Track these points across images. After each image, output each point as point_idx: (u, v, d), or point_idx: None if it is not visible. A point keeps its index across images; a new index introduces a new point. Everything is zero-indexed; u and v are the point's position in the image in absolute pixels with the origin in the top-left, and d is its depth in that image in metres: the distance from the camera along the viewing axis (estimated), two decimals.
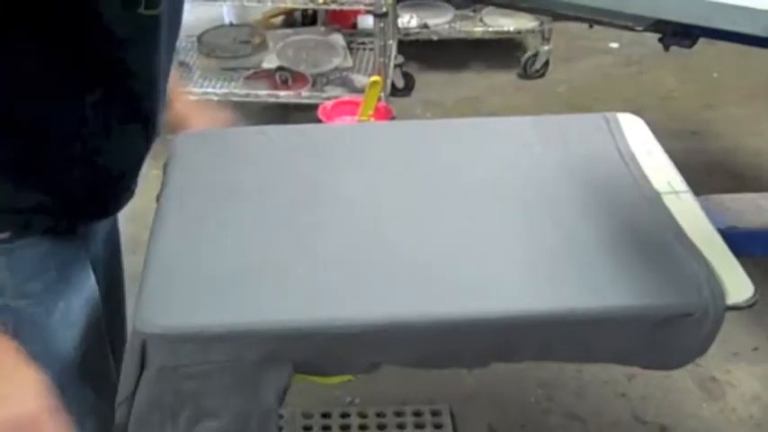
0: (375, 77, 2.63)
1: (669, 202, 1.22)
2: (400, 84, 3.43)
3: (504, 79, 3.64)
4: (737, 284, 1.08)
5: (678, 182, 1.26)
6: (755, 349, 2.14)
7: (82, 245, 1.12)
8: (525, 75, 3.64)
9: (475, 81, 3.63)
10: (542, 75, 3.64)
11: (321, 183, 1.26)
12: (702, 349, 1.08)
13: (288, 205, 1.20)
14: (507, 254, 1.12)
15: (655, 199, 1.22)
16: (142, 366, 1.00)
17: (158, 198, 1.21)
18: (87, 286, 1.11)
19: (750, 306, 1.06)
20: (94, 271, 1.15)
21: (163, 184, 1.24)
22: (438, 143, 1.38)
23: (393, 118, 2.81)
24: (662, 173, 1.28)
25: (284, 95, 3.06)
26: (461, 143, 1.38)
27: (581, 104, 3.39)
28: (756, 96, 3.42)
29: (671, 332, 1.07)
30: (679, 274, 1.09)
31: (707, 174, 2.84)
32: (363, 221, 1.18)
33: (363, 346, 1.03)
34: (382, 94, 2.94)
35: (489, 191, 1.25)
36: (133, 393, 1.01)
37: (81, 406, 1.08)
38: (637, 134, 1.38)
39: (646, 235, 1.17)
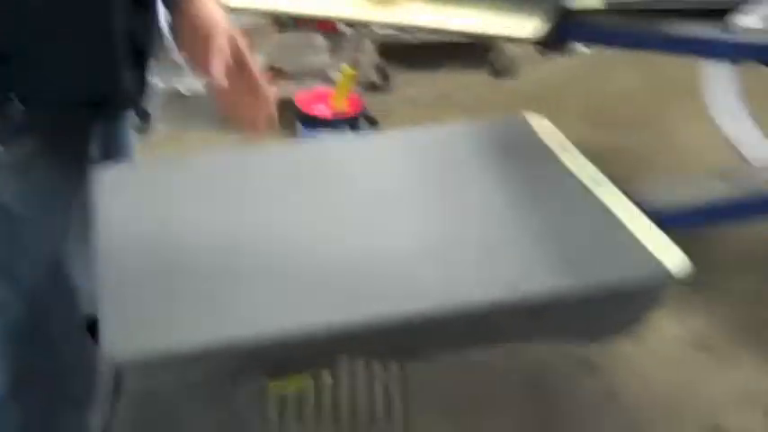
0: (348, 68, 2.87)
1: (593, 189, 1.28)
2: (378, 81, 3.66)
3: (477, 78, 3.87)
4: (675, 259, 1.13)
5: (598, 174, 1.31)
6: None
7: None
8: (496, 74, 3.88)
9: (449, 79, 3.84)
10: (512, 75, 3.89)
11: (249, 205, 1.28)
12: (652, 312, 1.15)
13: (217, 228, 1.22)
14: (444, 250, 1.16)
15: (582, 190, 1.28)
16: (118, 391, 1.03)
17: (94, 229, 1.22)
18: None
19: (687, 279, 1.12)
20: None
21: (96, 218, 1.23)
22: (366, 158, 1.41)
23: (364, 109, 3.04)
24: (582, 167, 1.34)
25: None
26: (394, 154, 1.41)
27: (544, 100, 3.61)
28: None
29: (616, 308, 1.14)
30: (619, 254, 1.15)
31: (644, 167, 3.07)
32: (302, 233, 1.21)
33: (328, 346, 1.07)
34: (359, 89, 3.19)
35: (418, 196, 1.29)
36: (112, 418, 1.05)
37: None
38: (549, 132, 1.43)
39: (581, 222, 1.22)
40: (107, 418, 1.04)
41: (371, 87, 3.57)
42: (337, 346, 1.07)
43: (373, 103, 3.33)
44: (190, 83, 3.38)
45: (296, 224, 1.23)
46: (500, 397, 2.07)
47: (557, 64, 3.97)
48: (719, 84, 1.93)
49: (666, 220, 1.25)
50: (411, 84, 3.79)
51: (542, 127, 1.46)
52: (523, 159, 1.38)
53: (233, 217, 1.24)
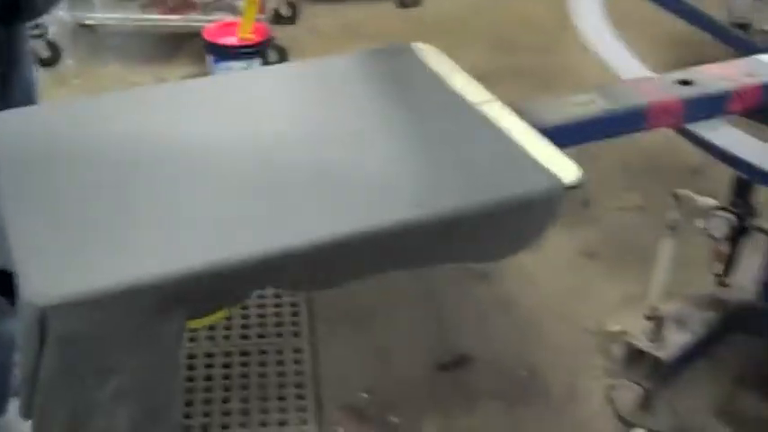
0: None
1: (484, 110, 1.32)
2: (286, 13, 3.70)
3: (383, 8, 3.94)
4: (568, 170, 1.20)
5: (485, 94, 1.36)
6: None
7: None
8: (402, 4, 3.96)
9: (356, 10, 3.91)
10: (418, 5, 3.97)
11: (157, 140, 1.27)
12: (551, 224, 1.20)
13: (127, 167, 1.21)
14: (344, 176, 1.18)
15: (470, 108, 1.32)
16: (42, 338, 0.99)
17: None
18: None
19: (581, 184, 1.18)
20: None
21: None
22: (265, 90, 1.44)
23: (271, 38, 3.10)
24: (472, 90, 1.38)
25: (175, 20, 3.36)
26: (291, 85, 1.43)
27: (449, 30, 3.71)
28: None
29: (518, 220, 1.18)
30: (515, 169, 1.20)
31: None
32: (208, 166, 1.22)
33: (248, 277, 1.08)
34: (264, 18, 3.23)
35: (315, 124, 1.31)
36: (36, 367, 1.01)
37: None
38: (437, 59, 1.47)
39: (475, 141, 1.26)
40: (33, 365, 1.00)
41: (279, 18, 3.62)
42: (251, 278, 1.08)
43: (282, 35, 3.38)
44: (100, 17, 3.39)
45: (202, 157, 1.23)
46: (398, 307, 2.21)
47: None
48: (588, 7, 2.06)
49: (552, 137, 1.31)
50: (318, 15, 3.85)
51: (430, 54, 1.50)
52: (414, 85, 1.42)
53: (142, 154, 1.24)
